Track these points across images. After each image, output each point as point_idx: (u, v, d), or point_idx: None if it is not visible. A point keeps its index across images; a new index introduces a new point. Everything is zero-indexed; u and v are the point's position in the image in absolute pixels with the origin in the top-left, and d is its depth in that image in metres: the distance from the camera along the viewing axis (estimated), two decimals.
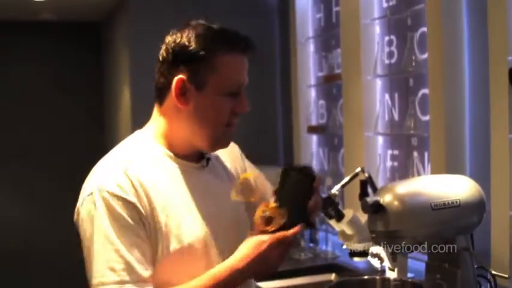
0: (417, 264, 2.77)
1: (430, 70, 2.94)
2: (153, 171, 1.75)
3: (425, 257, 2.25)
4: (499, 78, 2.54)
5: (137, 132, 1.88)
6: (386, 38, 3.45)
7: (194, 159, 1.86)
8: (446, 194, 2.09)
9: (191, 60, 1.73)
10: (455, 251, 2.18)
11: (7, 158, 6.11)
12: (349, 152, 3.65)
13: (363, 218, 2.52)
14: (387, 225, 2.04)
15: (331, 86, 4.03)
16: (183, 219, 1.74)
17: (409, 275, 2.79)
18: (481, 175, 2.69)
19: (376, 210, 2.03)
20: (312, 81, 4.30)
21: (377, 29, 3.50)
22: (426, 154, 3.16)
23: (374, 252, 2.81)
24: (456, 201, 2.09)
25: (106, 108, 6.26)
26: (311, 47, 4.31)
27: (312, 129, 4.21)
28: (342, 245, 2.83)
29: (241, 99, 1.79)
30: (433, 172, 2.95)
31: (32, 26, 6.12)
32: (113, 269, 1.62)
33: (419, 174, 3.21)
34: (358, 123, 3.56)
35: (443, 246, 2.19)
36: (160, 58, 1.80)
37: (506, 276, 2.21)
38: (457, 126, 2.84)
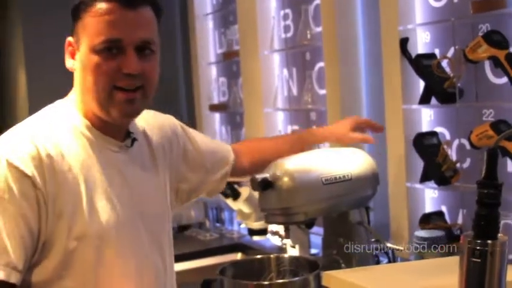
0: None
1: (325, 43, 2.90)
2: (67, 144, 1.59)
3: None
4: (390, 49, 2.53)
5: (58, 101, 1.72)
6: (282, 12, 3.40)
7: (119, 137, 1.70)
8: (337, 168, 2.06)
9: (73, 20, 1.62)
10: (350, 225, 2.15)
11: None
12: (251, 129, 3.59)
13: None
14: (278, 202, 2.00)
15: (231, 63, 3.96)
16: (95, 202, 1.59)
17: (313, 251, 2.77)
18: (380, 148, 2.68)
19: (266, 187, 1.98)
20: (212, 58, 4.21)
21: (273, 2, 3.44)
22: None
23: (273, 230, 2.78)
24: (347, 175, 2.07)
25: (4, 88, 6.10)
26: (210, 23, 4.22)
27: (213, 108, 4.14)
28: (240, 224, 2.80)
29: (126, 57, 1.58)
30: (332, 147, 2.92)
31: None
32: None
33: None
34: (257, 99, 3.50)
35: (337, 221, 2.17)
36: None
37: (401, 248, 2.19)
38: (353, 99, 2.82)
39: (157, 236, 1.76)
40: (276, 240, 2.82)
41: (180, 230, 3.79)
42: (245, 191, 2.70)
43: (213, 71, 4.22)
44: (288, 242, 2.61)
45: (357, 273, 1.81)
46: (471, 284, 1.21)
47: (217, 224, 3.88)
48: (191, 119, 4.46)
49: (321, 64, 3.11)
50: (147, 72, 1.62)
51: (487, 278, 1.20)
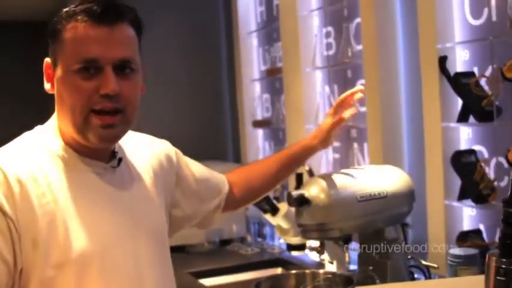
0: None
1: (365, 61, 2.93)
2: (41, 169, 1.49)
3: None
4: (429, 67, 2.54)
5: (37, 127, 1.63)
6: (324, 30, 3.43)
7: (104, 158, 1.60)
8: (372, 186, 2.09)
9: (51, 42, 1.55)
10: (385, 241, 2.17)
11: None
12: None
13: None
14: (313, 218, 2.03)
15: (274, 80, 4.00)
16: (73, 228, 1.48)
17: (352, 267, 2.78)
18: (419, 164, 2.69)
19: (302, 203, 2.02)
20: (256, 75, 4.27)
21: (315, 20, 3.48)
22: (365, 145, 3.15)
23: (312, 245, 2.80)
24: (383, 192, 2.09)
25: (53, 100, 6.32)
26: (254, 41, 4.28)
27: (257, 124, 4.18)
28: (280, 239, 2.82)
29: (104, 78, 1.48)
30: (372, 163, 2.94)
31: None
32: None
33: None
34: (299, 116, 3.54)
35: (373, 237, 2.19)
36: None
37: (436, 266, 2.20)
38: (393, 116, 2.83)
39: (157, 254, 1.67)
40: (314, 256, 2.84)
41: (222, 244, 3.84)
42: (283, 206, 2.73)
43: (257, 87, 4.28)
44: (326, 257, 2.63)
45: None
46: None
47: (259, 239, 3.92)
48: (235, 135, 4.52)
49: (362, 81, 3.13)
50: (126, 92, 1.52)
51: None
